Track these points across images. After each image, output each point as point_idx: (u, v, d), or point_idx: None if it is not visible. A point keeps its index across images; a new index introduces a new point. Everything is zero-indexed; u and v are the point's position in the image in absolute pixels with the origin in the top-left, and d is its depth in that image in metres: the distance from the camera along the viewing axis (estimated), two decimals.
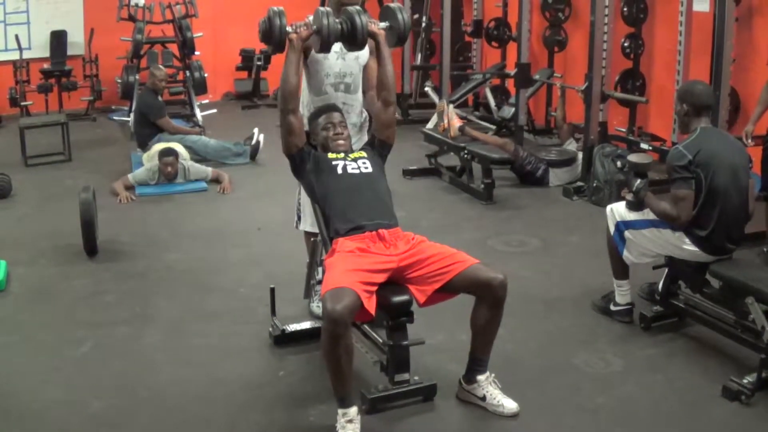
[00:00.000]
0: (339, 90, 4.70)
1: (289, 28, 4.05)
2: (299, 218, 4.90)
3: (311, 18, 4.16)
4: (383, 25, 4.28)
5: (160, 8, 11.25)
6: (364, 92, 4.83)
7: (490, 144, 8.03)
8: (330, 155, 4.20)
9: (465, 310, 3.92)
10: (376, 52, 4.29)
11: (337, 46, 4.62)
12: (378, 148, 4.33)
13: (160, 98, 9.04)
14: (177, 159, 7.98)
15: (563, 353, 4.50)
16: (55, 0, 12.09)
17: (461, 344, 4.12)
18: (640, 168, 4.67)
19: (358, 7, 4.27)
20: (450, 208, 7.48)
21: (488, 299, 3.78)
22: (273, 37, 4.06)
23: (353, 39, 4.19)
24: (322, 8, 4.13)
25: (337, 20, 4.14)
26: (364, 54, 4.72)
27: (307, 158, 4.17)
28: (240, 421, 3.85)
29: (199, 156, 8.74)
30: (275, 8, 4.05)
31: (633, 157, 4.88)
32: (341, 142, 4.28)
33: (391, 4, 4.48)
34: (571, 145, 8.50)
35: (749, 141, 5.97)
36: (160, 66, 9.58)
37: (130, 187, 7.85)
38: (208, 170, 8.21)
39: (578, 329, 4.82)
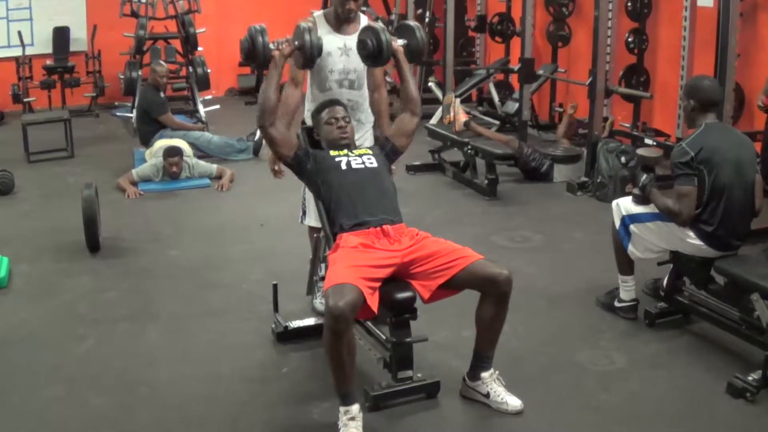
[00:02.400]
0: (343, 86, 4.69)
1: (271, 45, 4.03)
2: (304, 213, 4.89)
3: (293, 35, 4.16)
4: (401, 42, 4.31)
5: (163, 4, 11.23)
6: (370, 92, 4.82)
7: (494, 140, 8.01)
8: (332, 152, 4.18)
9: (469, 307, 3.90)
10: (397, 69, 4.36)
11: (341, 42, 4.62)
12: (388, 152, 4.33)
13: (162, 94, 9.02)
14: (182, 158, 7.97)
15: (567, 350, 4.48)
16: None
17: (465, 341, 4.11)
18: (647, 162, 4.66)
19: (382, 25, 4.30)
20: (453, 203, 7.46)
21: (493, 295, 3.76)
22: (257, 55, 4.03)
23: (379, 57, 4.23)
24: (303, 24, 4.15)
25: (318, 36, 4.14)
26: None
27: (305, 160, 4.15)
28: (242, 418, 3.84)
29: (201, 152, 8.74)
30: (256, 26, 4.05)
31: (642, 151, 4.87)
32: (344, 135, 4.27)
33: (410, 22, 4.51)
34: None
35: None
36: (162, 62, 9.56)
37: (134, 183, 7.85)
38: (213, 167, 8.20)
39: (582, 325, 4.80)
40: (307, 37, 4.05)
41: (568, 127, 8.84)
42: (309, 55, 4.10)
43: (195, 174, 8.08)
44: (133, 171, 7.97)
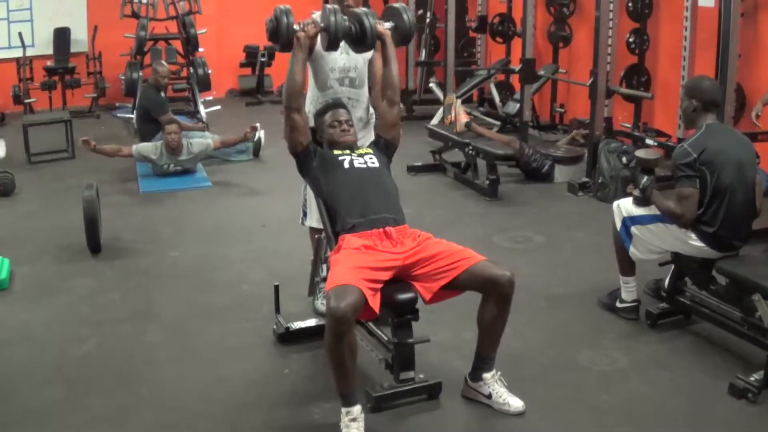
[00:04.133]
0: (344, 84, 4.70)
1: (296, 26, 4.04)
2: (305, 214, 4.89)
3: (317, 15, 4.15)
4: (388, 25, 4.30)
5: (164, 5, 11.24)
6: (370, 88, 4.82)
7: (495, 141, 8.01)
8: (336, 151, 4.18)
9: (470, 308, 3.90)
10: (382, 52, 4.34)
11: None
12: (383, 149, 4.32)
13: (163, 94, 9.03)
14: (181, 129, 8.08)
15: (568, 350, 4.48)
16: None
17: (467, 342, 4.11)
18: (646, 164, 4.65)
19: (365, 9, 4.27)
20: (454, 204, 7.46)
21: (495, 296, 3.76)
22: (281, 35, 4.06)
23: (363, 41, 4.22)
24: (329, 5, 4.13)
25: (344, 18, 4.13)
26: None
27: (312, 155, 4.16)
28: (243, 420, 3.83)
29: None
30: (282, 6, 4.05)
31: (641, 153, 4.86)
32: (347, 138, 4.26)
33: (396, 4, 4.48)
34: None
35: (757, 121, 5.94)
36: (163, 62, 9.57)
37: (127, 155, 8.06)
38: (210, 142, 8.30)
39: (583, 326, 4.80)
40: (332, 18, 4.05)
41: (570, 142, 8.84)
42: (334, 37, 4.10)
43: (194, 150, 8.13)
44: (133, 146, 8.09)
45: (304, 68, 4.14)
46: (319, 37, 4.23)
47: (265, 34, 4.17)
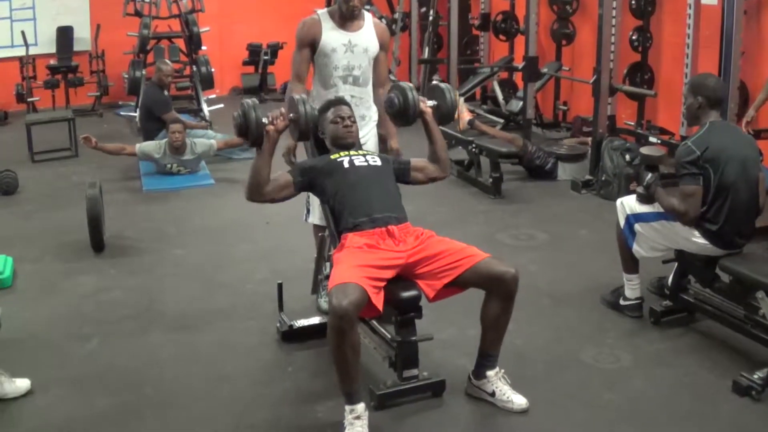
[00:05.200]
0: (347, 83, 4.69)
1: (265, 120, 3.94)
2: (308, 211, 4.88)
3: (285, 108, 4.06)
4: (431, 103, 4.22)
5: (167, 3, 11.23)
6: (374, 88, 4.82)
7: (498, 138, 8.00)
8: (332, 156, 4.16)
9: (474, 306, 3.90)
10: (425, 130, 4.23)
11: (345, 39, 4.62)
12: (397, 170, 4.25)
13: (166, 93, 9.03)
14: (185, 128, 8.10)
15: (572, 348, 4.48)
16: None
17: (470, 339, 4.10)
18: (651, 161, 4.64)
19: (410, 84, 4.24)
20: (458, 202, 7.45)
21: (500, 293, 3.76)
22: (250, 132, 3.93)
23: (404, 114, 4.16)
24: (297, 96, 4.05)
25: (313, 107, 4.06)
26: (373, 47, 4.72)
27: (306, 183, 4.13)
28: (247, 418, 3.84)
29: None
30: (248, 101, 3.94)
31: (645, 150, 4.86)
32: (350, 134, 4.26)
33: (441, 84, 4.43)
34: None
35: (748, 128, 5.94)
36: (167, 60, 9.57)
37: (130, 154, 8.10)
38: (213, 142, 8.31)
39: (587, 324, 4.79)
40: (301, 108, 3.95)
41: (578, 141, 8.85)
42: (304, 128, 4.01)
43: (197, 150, 8.14)
44: (137, 145, 8.12)
45: (269, 164, 4.03)
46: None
47: (234, 126, 4.04)
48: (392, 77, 11.02)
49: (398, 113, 4.19)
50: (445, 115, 4.30)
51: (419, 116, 4.17)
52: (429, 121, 4.20)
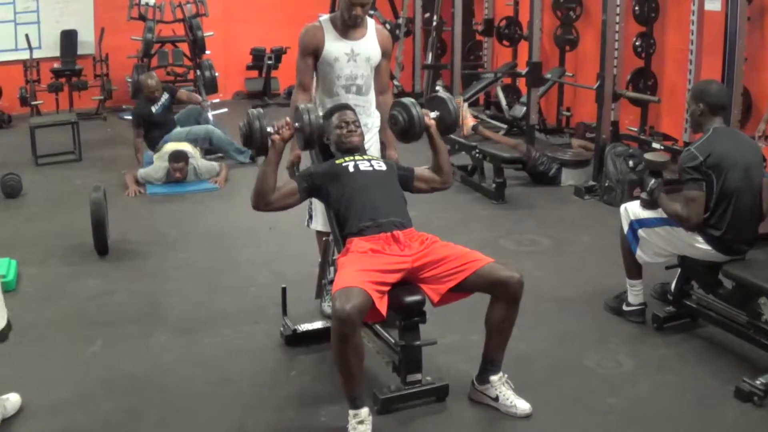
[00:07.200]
0: (350, 92, 4.68)
1: (270, 129, 3.94)
2: (311, 217, 4.88)
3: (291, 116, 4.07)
4: (433, 114, 4.23)
5: (171, 7, 11.27)
6: (376, 94, 4.82)
7: (502, 144, 8.01)
8: (338, 161, 4.17)
9: (478, 310, 3.90)
10: (430, 143, 4.26)
11: (348, 48, 4.61)
12: (400, 177, 4.27)
13: (154, 108, 8.77)
14: (186, 164, 8.00)
15: (575, 353, 4.48)
16: None
17: (474, 344, 4.11)
18: (655, 167, 4.65)
19: (412, 99, 4.24)
20: (461, 207, 7.46)
21: (504, 298, 3.77)
22: (254, 141, 3.93)
23: (410, 131, 4.17)
24: (302, 105, 4.04)
25: (318, 116, 4.07)
26: (376, 56, 4.71)
27: (311, 187, 4.13)
28: (250, 421, 3.84)
29: (205, 145, 8.83)
30: (254, 111, 3.95)
31: (649, 156, 4.87)
32: (354, 139, 4.26)
33: (441, 94, 4.44)
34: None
35: (762, 141, 5.94)
36: (153, 74, 9.22)
37: (139, 183, 7.93)
38: (216, 166, 8.27)
39: (590, 329, 4.80)
40: (306, 117, 3.96)
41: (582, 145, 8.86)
42: (309, 136, 4.01)
43: (201, 176, 8.11)
44: (140, 171, 8.05)
45: (275, 173, 4.00)
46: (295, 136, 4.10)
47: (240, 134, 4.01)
48: (395, 83, 11.07)
49: (403, 131, 4.20)
50: (449, 126, 4.33)
51: (425, 131, 4.18)
52: (434, 133, 4.21)
